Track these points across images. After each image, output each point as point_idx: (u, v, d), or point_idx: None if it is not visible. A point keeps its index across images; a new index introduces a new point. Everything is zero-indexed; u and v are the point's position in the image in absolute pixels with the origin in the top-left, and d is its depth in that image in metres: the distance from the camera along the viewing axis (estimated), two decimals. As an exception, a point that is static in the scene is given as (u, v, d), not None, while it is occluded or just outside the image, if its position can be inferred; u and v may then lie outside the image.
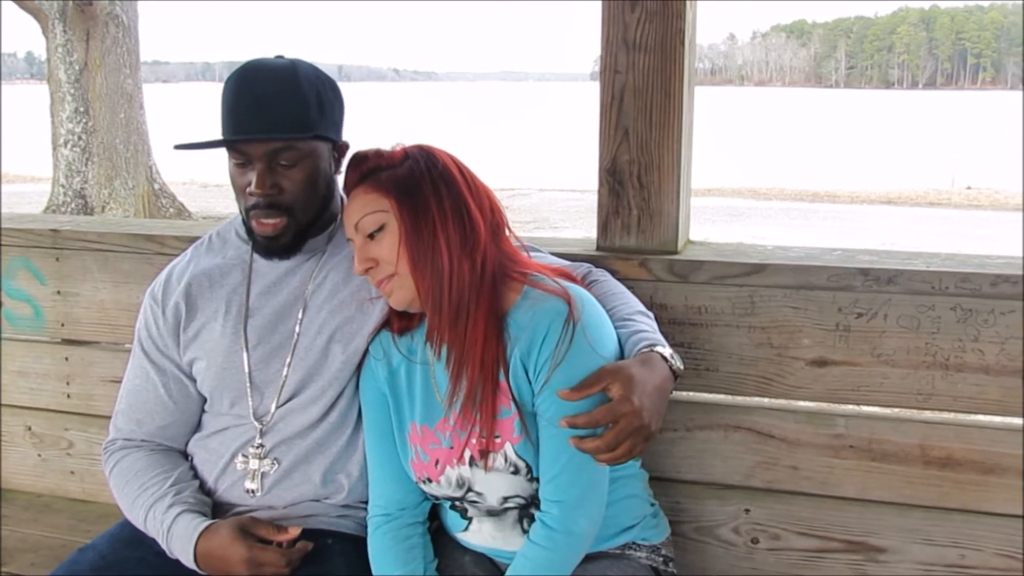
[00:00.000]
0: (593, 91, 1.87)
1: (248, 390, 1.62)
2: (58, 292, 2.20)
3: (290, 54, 1.63)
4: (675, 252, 1.79)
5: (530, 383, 1.44)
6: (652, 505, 1.64)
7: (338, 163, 1.63)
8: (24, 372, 2.29)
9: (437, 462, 1.52)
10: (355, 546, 1.60)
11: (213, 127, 1.60)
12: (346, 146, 1.62)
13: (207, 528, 1.54)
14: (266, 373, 1.62)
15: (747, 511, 1.81)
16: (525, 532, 1.50)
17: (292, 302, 1.64)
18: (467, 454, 1.48)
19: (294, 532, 1.55)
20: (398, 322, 1.57)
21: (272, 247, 1.59)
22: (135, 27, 10.64)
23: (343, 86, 1.65)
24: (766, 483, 1.78)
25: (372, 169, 1.47)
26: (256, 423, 1.62)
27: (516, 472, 1.46)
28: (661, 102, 1.74)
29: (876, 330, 1.67)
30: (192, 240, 1.97)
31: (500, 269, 1.46)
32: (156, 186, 11.04)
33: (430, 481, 1.53)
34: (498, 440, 1.46)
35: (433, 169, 1.45)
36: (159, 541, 1.58)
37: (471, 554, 1.58)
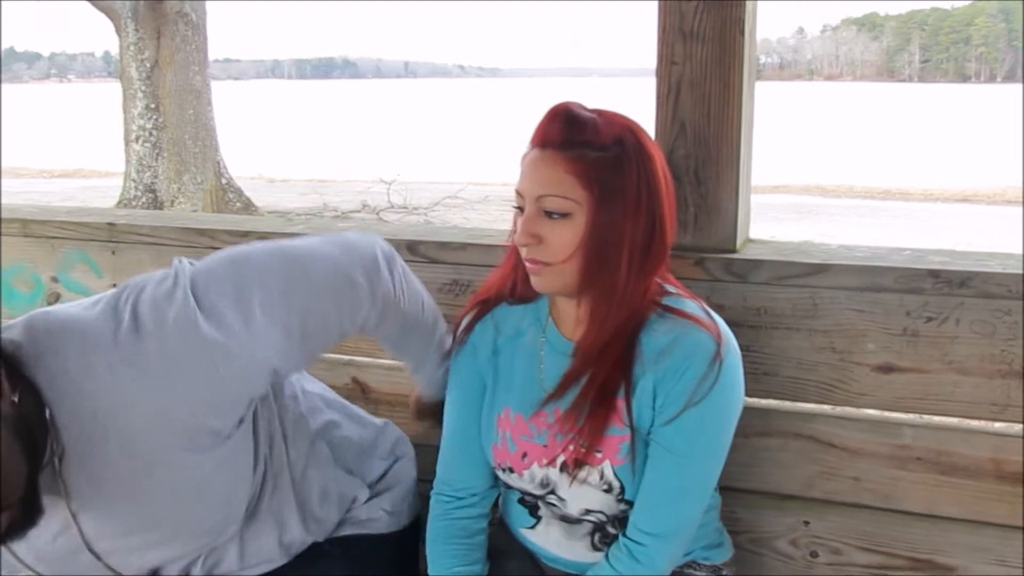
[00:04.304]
0: (657, 86, 1.80)
1: None
2: (114, 285, 2.19)
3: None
4: (733, 251, 1.72)
5: (653, 410, 1.34)
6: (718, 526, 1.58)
7: None
8: (81, 364, 2.32)
9: (525, 455, 1.43)
10: (352, 547, 1.55)
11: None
12: None
13: None
14: None
15: (806, 523, 1.73)
16: (595, 547, 1.44)
17: None
18: (560, 459, 1.39)
19: None
20: (521, 289, 1.44)
21: None
22: (204, 25, 10.89)
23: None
24: (826, 494, 1.71)
25: (581, 142, 1.28)
26: None
27: (608, 491, 1.38)
28: (720, 94, 1.67)
29: (947, 335, 1.58)
30: (244, 235, 1.97)
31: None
32: (224, 181, 11.26)
33: (512, 472, 1.44)
34: (598, 456, 1.37)
35: (642, 172, 1.29)
36: None
37: (516, 560, 1.53)
